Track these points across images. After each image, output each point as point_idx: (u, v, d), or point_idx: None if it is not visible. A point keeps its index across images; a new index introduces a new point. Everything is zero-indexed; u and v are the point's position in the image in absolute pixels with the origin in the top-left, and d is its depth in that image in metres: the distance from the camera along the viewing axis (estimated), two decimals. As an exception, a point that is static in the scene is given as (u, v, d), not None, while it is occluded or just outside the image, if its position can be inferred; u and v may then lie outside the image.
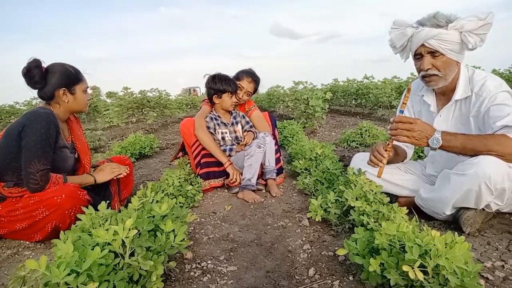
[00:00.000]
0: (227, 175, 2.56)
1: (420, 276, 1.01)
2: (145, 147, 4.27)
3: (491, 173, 1.45)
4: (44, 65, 1.85)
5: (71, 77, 1.88)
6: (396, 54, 1.79)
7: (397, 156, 1.92)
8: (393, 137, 1.61)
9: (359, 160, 2.05)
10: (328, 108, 5.72)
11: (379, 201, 1.64)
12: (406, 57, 1.78)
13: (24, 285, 1.09)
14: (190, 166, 2.71)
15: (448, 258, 1.02)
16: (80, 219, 1.38)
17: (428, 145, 1.58)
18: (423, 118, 1.86)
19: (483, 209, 1.61)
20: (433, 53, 1.64)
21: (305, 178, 2.40)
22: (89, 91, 2.03)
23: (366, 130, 4.12)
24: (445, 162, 1.83)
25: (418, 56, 1.70)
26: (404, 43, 1.72)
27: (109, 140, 6.01)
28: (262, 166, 2.59)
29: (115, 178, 2.10)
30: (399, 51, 1.77)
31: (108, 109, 6.52)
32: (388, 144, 1.71)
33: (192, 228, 1.89)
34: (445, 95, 1.80)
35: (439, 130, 1.58)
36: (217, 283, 1.34)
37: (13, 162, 1.73)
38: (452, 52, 1.61)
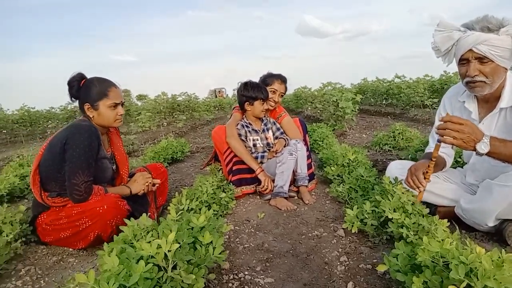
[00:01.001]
0: (259, 181, 2.57)
1: (467, 297, 0.98)
2: (177, 152, 4.36)
3: None
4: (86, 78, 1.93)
5: (94, 93, 1.89)
6: (439, 57, 1.71)
7: (436, 167, 1.85)
8: (440, 138, 1.51)
9: (395, 168, 2.00)
10: (357, 109, 5.63)
11: (418, 213, 1.60)
12: (449, 61, 1.69)
13: (73, 296, 1.14)
14: (222, 173, 2.75)
15: (497, 278, 0.98)
16: (121, 230, 1.43)
17: (474, 150, 1.48)
18: None
19: (530, 221, 1.54)
20: (481, 59, 1.54)
21: (338, 185, 2.37)
22: (120, 108, 1.96)
23: (399, 133, 4.03)
24: (486, 171, 1.76)
25: (464, 62, 1.60)
26: (449, 47, 1.63)
27: (142, 144, 6.18)
28: (294, 173, 2.59)
29: (150, 190, 2.15)
30: (442, 55, 1.69)
31: (140, 113, 6.71)
32: (429, 166, 1.64)
33: (227, 237, 1.92)
34: (488, 102, 1.72)
35: (488, 135, 1.49)
36: (255, 295, 1.35)
37: (57, 173, 1.82)
38: (502, 59, 1.52)
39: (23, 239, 1.86)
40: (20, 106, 9.98)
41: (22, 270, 1.68)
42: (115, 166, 2.10)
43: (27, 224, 1.91)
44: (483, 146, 1.46)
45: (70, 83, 1.90)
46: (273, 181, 2.53)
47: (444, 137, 1.48)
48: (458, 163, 2.43)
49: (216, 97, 24.93)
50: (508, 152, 1.47)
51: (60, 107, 10.26)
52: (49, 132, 9.66)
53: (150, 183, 2.15)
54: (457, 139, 1.46)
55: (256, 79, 2.90)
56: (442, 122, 1.50)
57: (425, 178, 1.67)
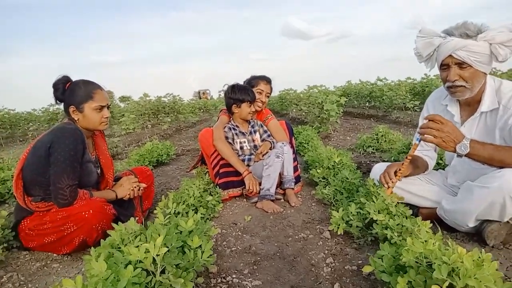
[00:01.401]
0: (245, 184, 2.58)
1: (449, 296, 1.01)
2: (162, 155, 4.33)
3: None
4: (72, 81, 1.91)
5: (79, 95, 1.87)
6: (421, 63, 1.77)
7: (417, 169, 1.90)
8: (421, 137, 1.60)
9: (379, 171, 2.03)
10: (341, 111, 5.71)
11: (401, 214, 1.63)
12: (432, 66, 1.75)
13: (60, 303, 1.12)
14: (209, 176, 2.75)
15: (478, 278, 1.02)
16: (108, 234, 1.42)
17: (454, 151, 1.55)
18: None
19: (508, 222, 1.60)
20: (461, 64, 1.60)
21: (323, 188, 2.40)
22: (106, 111, 1.94)
23: (382, 135, 4.10)
24: (467, 173, 1.82)
25: (444, 67, 1.66)
26: (430, 52, 1.68)
27: (126, 146, 6.11)
28: (280, 175, 2.61)
29: (135, 195, 2.14)
30: (424, 60, 1.74)
31: (123, 115, 6.63)
32: (403, 164, 1.72)
33: (214, 240, 1.92)
34: (470, 106, 1.77)
35: (468, 137, 1.56)
36: (243, 298, 1.36)
37: (40, 177, 1.78)
38: (481, 64, 1.57)
39: (5, 245, 1.82)
40: (-1, 108, 9.75)
41: (4, 277, 1.65)
42: (99, 170, 2.07)
43: (9, 229, 1.87)
44: (463, 147, 1.53)
45: (55, 85, 1.88)
46: (260, 183, 2.55)
47: (425, 135, 1.56)
48: (440, 165, 2.50)
49: (200, 98, 24.69)
50: (486, 154, 1.54)
51: (41, 109, 10.05)
52: (30, 135, 9.45)
53: (136, 187, 2.13)
54: (437, 137, 1.54)
55: (241, 80, 2.93)
56: (426, 121, 1.58)
57: (395, 175, 1.73)
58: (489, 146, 1.56)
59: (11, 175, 3.12)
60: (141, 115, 7.14)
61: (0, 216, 1.94)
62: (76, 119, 1.89)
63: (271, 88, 2.97)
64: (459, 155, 1.56)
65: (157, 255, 1.16)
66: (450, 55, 1.60)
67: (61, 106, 1.95)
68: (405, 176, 1.87)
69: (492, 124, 1.69)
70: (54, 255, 1.86)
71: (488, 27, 1.58)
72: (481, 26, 1.59)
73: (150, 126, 7.96)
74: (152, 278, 1.14)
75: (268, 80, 2.93)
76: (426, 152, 1.97)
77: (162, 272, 1.18)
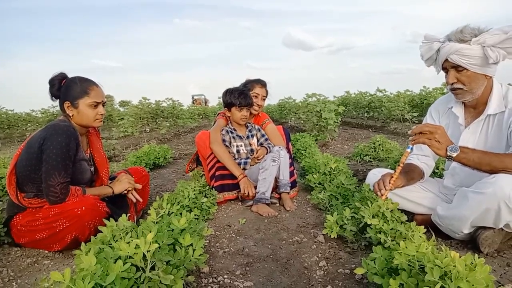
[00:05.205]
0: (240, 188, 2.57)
1: (441, 298, 1.00)
2: (159, 158, 4.32)
3: (510, 192, 1.43)
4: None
5: (74, 91, 1.87)
6: (429, 66, 1.81)
7: (412, 181, 1.89)
8: (413, 142, 1.63)
9: (375, 176, 2.03)
10: (340, 121, 5.72)
11: (396, 220, 1.63)
12: (438, 70, 1.79)
13: (47, 296, 1.11)
14: (205, 178, 2.74)
15: (469, 281, 1.01)
16: (100, 231, 1.41)
17: (446, 153, 1.57)
18: (450, 131, 1.85)
19: (502, 229, 1.59)
20: (457, 67, 1.65)
21: (319, 193, 2.40)
22: (101, 107, 1.93)
23: (379, 144, 4.11)
24: (465, 176, 1.81)
25: (445, 70, 1.73)
26: (432, 56, 1.74)
27: (123, 149, 6.09)
28: (276, 179, 2.60)
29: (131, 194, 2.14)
30: (431, 64, 1.80)
31: (122, 118, 6.64)
32: (395, 171, 1.73)
33: (208, 241, 1.91)
34: (475, 108, 1.80)
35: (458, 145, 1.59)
36: (234, 299, 1.34)
37: (33, 174, 1.77)
38: (476, 66, 1.61)
39: (-4, 240, 1.80)
40: (-2, 108, 9.76)
41: (-6, 272, 1.63)
42: (93, 168, 2.06)
43: (1, 225, 1.85)
44: (454, 149, 1.56)
45: (52, 81, 1.88)
46: (255, 187, 2.54)
47: (418, 139, 1.60)
48: (436, 174, 2.50)
49: (193, 104, 22.38)
50: (476, 158, 1.56)
51: (41, 110, 10.05)
52: (27, 135, 9.44)
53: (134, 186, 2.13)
54: (431, 139, 1.58)
55: (238, 85, 2.91)
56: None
57: (390, 183, 1.75)
58: (478, 150, 1.59)
59: (6, 173, 3.11)
60: (140, 118, 7.15)
61: (-8, 211, 1.93)
62: (71, 115, 1.88)
63: (267, 91, 2.95)
64: (449, 158, 1.58)
65: (147, 251, 1.15)
66: (447, 59, 1.66)
67: (57, 106, 1.95)
68: (400, 187, 1.87)
69: (497, 128, 1.71)
70: (46, 251, 1.83)
71: (486, 28, 1.61)
72: (478, 29, 1.62)
73: (148, 130, 7.96)
74: (142, 273, 1.13)
75: (263, 83, 2.92)
76: (424, 159, 1.96)
77: (152, 268, 1.17)
